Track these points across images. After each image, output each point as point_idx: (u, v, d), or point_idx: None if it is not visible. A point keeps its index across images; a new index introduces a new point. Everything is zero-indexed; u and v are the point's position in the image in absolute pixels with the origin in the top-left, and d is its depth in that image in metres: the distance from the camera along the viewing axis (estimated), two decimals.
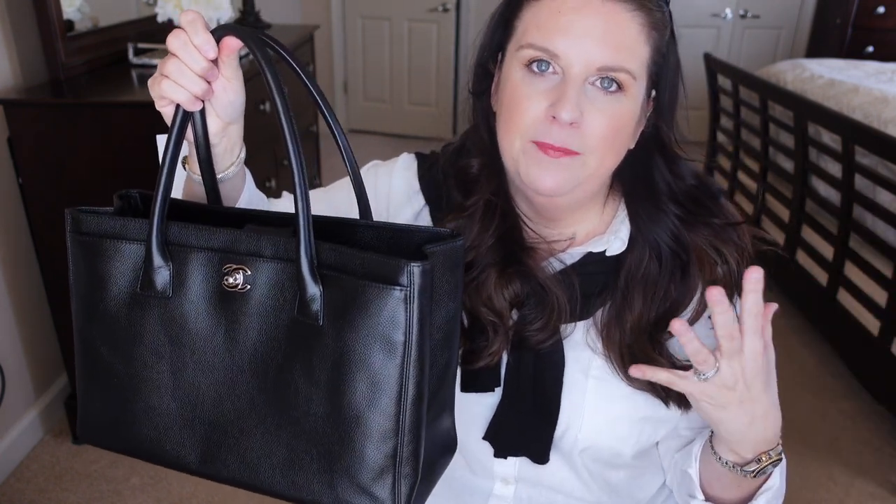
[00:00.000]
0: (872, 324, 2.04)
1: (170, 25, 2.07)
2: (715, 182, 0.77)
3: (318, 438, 0.54)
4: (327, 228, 0.59)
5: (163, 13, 2.00)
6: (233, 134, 0.65)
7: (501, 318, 0.72)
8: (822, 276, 2.34)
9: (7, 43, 1.68)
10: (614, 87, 0.66)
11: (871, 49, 3.83)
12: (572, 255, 0.75)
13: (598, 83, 0.66)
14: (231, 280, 0.55)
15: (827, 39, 4.02)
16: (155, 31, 2.14)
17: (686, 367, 0.71)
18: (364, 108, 4.72)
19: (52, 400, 1.92)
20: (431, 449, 0.57)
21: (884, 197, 2.16)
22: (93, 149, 1.61)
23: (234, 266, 0.55)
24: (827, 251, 2.30)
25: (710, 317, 0.72)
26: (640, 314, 0.72)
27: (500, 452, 0.77)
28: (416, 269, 0.50)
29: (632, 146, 0.72)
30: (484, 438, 0.77)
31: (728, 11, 4.21)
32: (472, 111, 0.79)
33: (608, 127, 0.66)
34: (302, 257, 0.52)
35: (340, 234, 0.60)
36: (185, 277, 0.57)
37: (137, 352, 0.58)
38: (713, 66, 3.11)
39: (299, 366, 0.54)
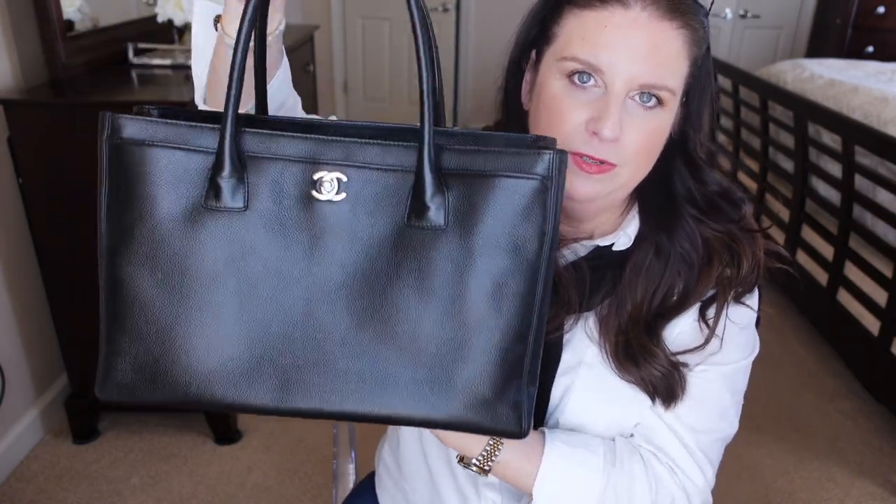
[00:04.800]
0: (872, 324, 2.04)
1: (170, 25, 2.07)
2: (738, 191, 0.77)
3: (430, 357, 0.50)
4: (401, 134, 0.56)
5: (163, 13, 2.00)
6: None
7: None
8: (822, 276, 2.34)
9: (7, 43, 1.68)
10: (654, 102, 0.66)
11: (871, 49, 3.83)
12: (584, 247, 0.76)
13: (637, 98, 0.66)
14: (326, 188, 0.50)
15: (827, 39, 4.02)
16: (155, 31, 2.14)
17: (679, 362, 0.72)
18: (364, 108, 4.71)
19: (52, 400, 1.92)
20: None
21: (884, 197, 2.16)
22: (93, 149, 1.59)
23: (329, 173, 0.50)
24: (827, 251, 2.30)
25: (700, 311, 0.73)
26: (639, 304, 0.73)
27: None
28: (556, 156, 0.48)
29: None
30: None
31: (728, 11, 4.21)
32: (501, 107, 0.79)
33: (646, 141, 0.67)
34: (425, 162, 0.49)
35: (410, 139, 0.57)
36: (260, 190, 0.51)
37: (192, 279, 0.51)
38: (713, 65, 3.12)
39: (410, 280, 0.50)
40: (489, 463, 0.68)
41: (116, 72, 1.92)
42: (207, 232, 0.51)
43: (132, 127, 0.51)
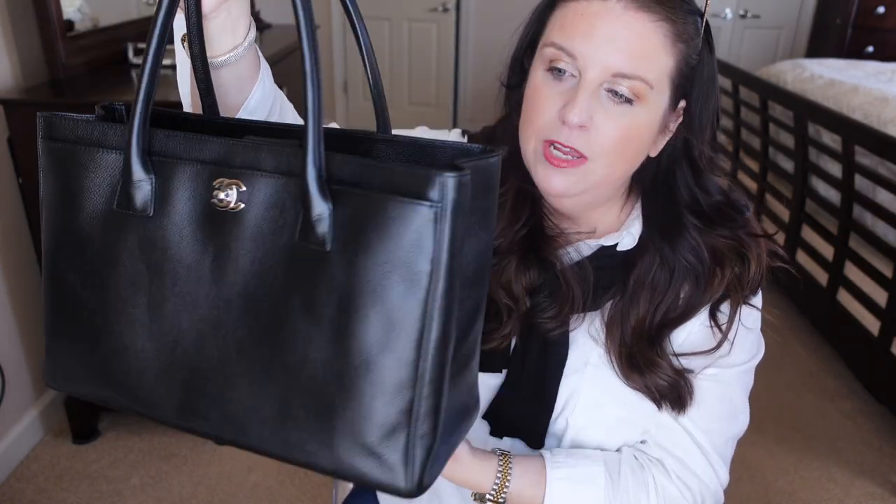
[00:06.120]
0: (872, 324, 2.04)
1: None
2: (742, 198, 0.77)
3: (316, 389, 0.46)
4: (342, 142, 0.52)
5: None
6: (234, 7, 0.58)
7: (517, 303, 0.74)
8: (822, 276, 2.34)
9: (7, 43, 1.68)
10: (624, 98, 0.66)
11: (871, 49, 3.83)
12: (589, 247, 0.76)
13: (612, 93, 0.66)
14: (223, 196, 0.47)
15: (827, 39, 4.02)
16: None
17: (684, 368, 0.72)
18: (364, 108, 4.70)
19: (52, 400, 1.92)
20: (451, 407, 0.49)
21: (884, 197, 2.16)
22: None
23: (228, 181, 0.47)
24: (827, 251, 2.30)
25: (710, 313, 0.73)
26: (643, 317, 0.73)
27: (497, 432, 0.78)
28: (449, 180, 0.42)
29: (653, 154, 0.72)
30: (483, 417, 0.78)
31: (728, 11, 4.21)
32: (505, 102, 0.81)
33: (618, 135, 0.67)
34: (308, 167, 0.44)
35: (356, 148, 0.53)
36: (170, 194, 0.48)
37: (111, 282, 0.50)
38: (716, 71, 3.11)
39: (299, 301, 0.45)
40: (502, 496, 0.71)
41: (116, 72, 1.92)
42: (122, 235, 0.50)
43: (60, 127, 0.51)
